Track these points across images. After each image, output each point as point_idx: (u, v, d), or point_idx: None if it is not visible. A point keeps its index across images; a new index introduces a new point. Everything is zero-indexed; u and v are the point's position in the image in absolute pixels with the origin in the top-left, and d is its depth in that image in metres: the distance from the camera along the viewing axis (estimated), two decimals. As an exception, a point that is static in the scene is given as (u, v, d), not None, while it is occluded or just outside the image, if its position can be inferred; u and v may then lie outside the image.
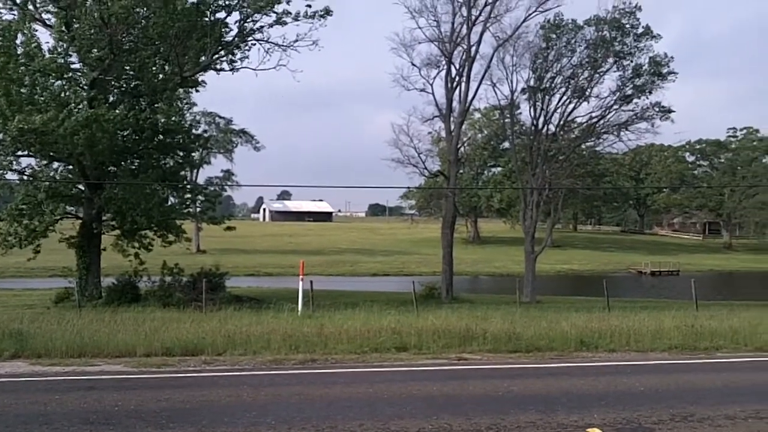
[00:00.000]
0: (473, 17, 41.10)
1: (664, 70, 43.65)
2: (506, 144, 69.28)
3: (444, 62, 41.98)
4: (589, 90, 43.97)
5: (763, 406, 9.55)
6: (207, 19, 31.58)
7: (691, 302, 27.77)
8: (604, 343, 15.31)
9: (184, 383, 10.93)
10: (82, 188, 31.19)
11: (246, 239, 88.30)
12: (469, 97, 42.49)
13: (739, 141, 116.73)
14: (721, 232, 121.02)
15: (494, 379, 11.45)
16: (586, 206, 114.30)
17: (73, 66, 30.02)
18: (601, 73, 43.73)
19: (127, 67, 30.89)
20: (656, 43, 43.63)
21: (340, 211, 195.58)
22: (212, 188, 40.33)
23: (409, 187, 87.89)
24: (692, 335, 16.28)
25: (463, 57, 41.80)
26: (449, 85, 42.03)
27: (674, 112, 44.70)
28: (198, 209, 35.90)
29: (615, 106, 44.13)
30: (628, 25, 43.12)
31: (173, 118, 32.13)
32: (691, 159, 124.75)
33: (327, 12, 32.66)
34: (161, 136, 32.15)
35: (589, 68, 43.47)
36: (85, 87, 29.62)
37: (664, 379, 11.66)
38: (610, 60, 43.46)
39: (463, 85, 41.90)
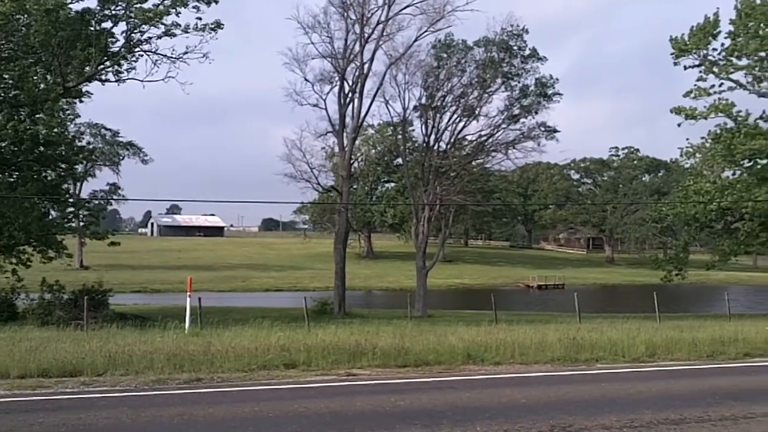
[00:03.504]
0: (366, 35, 41.55)
1: (550, 92, 45.36)
2: (399, 160, 69.99)
3: (337, 78, 42.24)
4: (478, 109, 45.21)
5: (637, 416, 9.92)
6: (92, 28, 30.70)
7: (575, 315, 28.76)
8: (490, 356, 15.56)
9: (60, 406, 10.44)
10: (-45, 202, 29.61)
11: (133, 254, 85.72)
12: (362, 114, 42.95)
13: (621, 160, 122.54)
14: (604, 246, 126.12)
15: (382, 395, 11.46)
16: (477, 222, 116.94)
17: (-54, 73, 28.60)
18: (490, 93, 45.05)
19: (6, 76, 29.60)
20: (542, 65, 45.44)
21: (232, 225, 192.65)
22: (96, 202, 39.03)
23: (302, 202, 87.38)
24: (574, 347, 16.76)
25: (356, 74, 42.16)
26: (342, 101, 42.25)
27: (559, 132, 46.61)
28: (81, 224, 34.70)
29: (503, 125, 45.56)
30: (515, 47, 44.58)
31: (55, 130, 30.97)
32: (576, 177, 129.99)
33: (218, 25, 32.24)
34: (42, 148, 30.93)
35: (478, 88, 44.65)
36: (-40, 96, 28.25)
37: (546, 391, 11.97)
38: (499, 80, 44.83)
39: (356, 101, 42.28)
